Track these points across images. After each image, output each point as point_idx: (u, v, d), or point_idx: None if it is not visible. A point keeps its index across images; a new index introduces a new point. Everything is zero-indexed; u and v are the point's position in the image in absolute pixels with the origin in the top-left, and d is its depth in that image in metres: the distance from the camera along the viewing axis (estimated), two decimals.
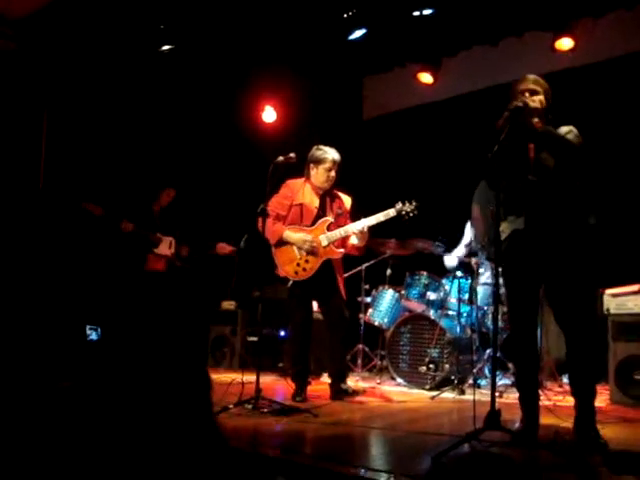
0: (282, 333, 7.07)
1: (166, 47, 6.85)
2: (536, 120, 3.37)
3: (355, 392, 5.06)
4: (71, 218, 6.32)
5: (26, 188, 6.65)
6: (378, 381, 6.06)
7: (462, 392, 5.32)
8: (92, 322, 5.83)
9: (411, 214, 4.78)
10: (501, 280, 3.60)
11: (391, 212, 4.81)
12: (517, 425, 3.52)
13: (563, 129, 3.50)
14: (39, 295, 6.30)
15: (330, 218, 5.01)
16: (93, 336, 4.92)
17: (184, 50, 6.97)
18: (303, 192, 5.05)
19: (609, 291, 5.13)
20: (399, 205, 4.80)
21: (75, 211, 6.16)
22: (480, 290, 5.91)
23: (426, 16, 6.43)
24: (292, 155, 4.71)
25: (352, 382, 5.54)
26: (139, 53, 6.94)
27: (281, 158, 4.68)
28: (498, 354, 5.40)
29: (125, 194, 6.49)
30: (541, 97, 3.48)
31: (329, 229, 4.96)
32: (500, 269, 3.44)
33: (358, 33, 6.90)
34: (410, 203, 4.79)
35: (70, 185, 6.66)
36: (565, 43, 6.44)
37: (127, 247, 6.37)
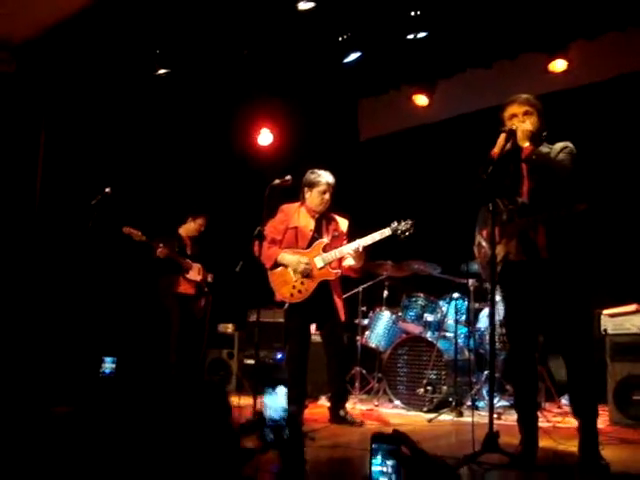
0: (279, 356, 7.03)
1: (162, 71, 6.89)
2: (527, 145, 3.37)
3: (356, 422, 4.82)
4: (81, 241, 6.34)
5: (23, 207, 6.69)
6: (376, 403, 6.01)
7: (460, 414, 5.28)
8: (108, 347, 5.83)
9: (406, 232, 4.75)
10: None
11: (386, 231, 4.79)
12: (516, 447, 3.50)
13: (558, 145, 3.50)
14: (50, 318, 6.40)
15: (326, 240, 5.01)
16: (107, 369, 4.91)
17: (180, 74, 7.00)
18: (298, 215, 5.06)
19: (606, 311, 5.12)
20: (394, 224, 4.78)
21: (113, 235, 6.36)
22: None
23: (420, 39, 6.46)
24: (288, 178, 4.73)
25: (350, 405, 5.47)
26: (136, 77, 6.98)
27: (277, 181, 4.70)
28: (496, 375, 5.38)
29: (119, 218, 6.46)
30: (534, 118, 3.49)
31: (325, 251, 4.95)
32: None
33: (353, 56, 6.94)
34: (405, 222, 4.76)
35: (66, 205, 6.69)
36: (559, 65, 6.49)
37: (159, 271, 6.58)
